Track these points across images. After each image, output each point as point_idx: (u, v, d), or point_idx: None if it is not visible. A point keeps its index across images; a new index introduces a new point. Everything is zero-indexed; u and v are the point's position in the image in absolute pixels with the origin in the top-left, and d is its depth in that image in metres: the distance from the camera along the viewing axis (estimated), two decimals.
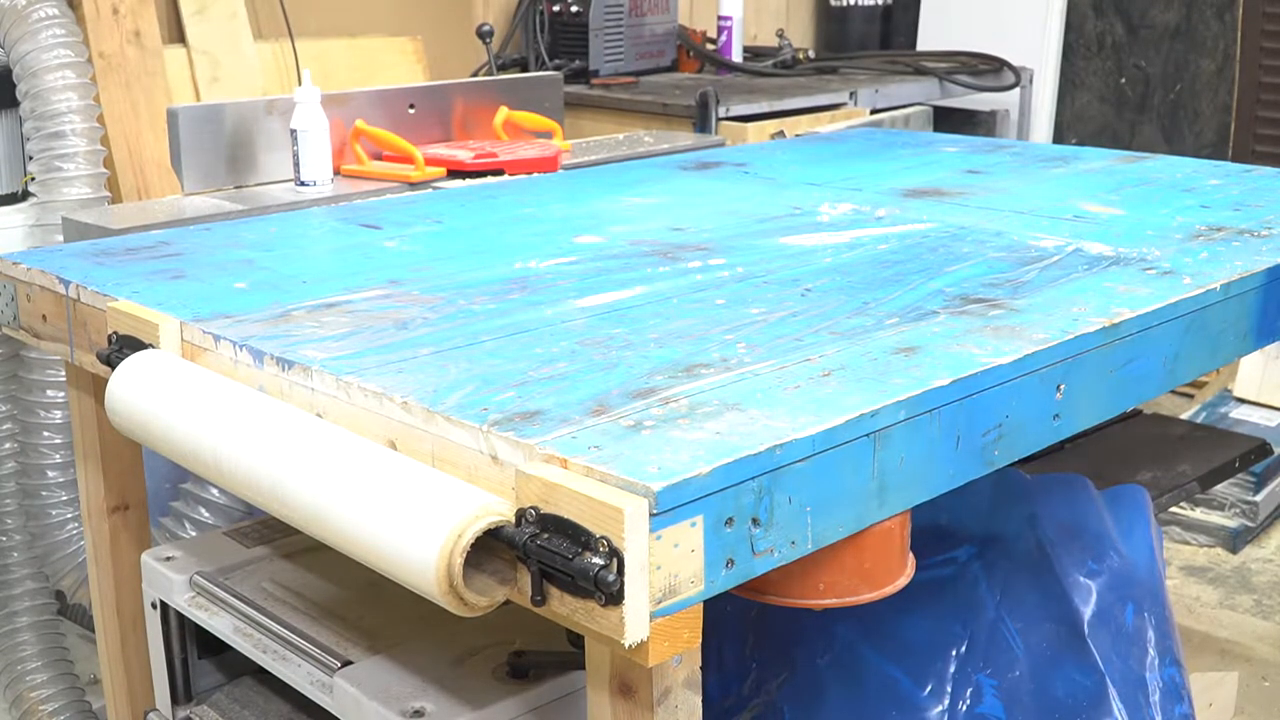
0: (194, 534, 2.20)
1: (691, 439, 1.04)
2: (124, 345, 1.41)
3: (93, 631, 1.92)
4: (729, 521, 1.00)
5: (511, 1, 3.74)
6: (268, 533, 1.69)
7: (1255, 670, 2.88)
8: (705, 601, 1.01)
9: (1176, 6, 4.34)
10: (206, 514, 2.24)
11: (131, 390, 1.33)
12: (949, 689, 1.71)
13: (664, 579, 0.96)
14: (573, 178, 2.31)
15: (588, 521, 0.94)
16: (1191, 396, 3.97)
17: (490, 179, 2.31)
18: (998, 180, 2.13)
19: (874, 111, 3.62)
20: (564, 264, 1.63)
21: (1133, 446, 2.67)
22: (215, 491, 2.23)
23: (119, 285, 1.53)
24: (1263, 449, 2.73)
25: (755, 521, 1.02)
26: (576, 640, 1.31)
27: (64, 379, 2.29)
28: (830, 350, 1.27)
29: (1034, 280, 1.51)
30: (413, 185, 2.31)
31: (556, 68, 3.53)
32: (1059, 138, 4.54)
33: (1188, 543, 3.46)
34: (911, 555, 1.26)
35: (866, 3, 4.38)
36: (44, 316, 1.60)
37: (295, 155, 2.26)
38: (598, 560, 0.93)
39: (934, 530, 1.78)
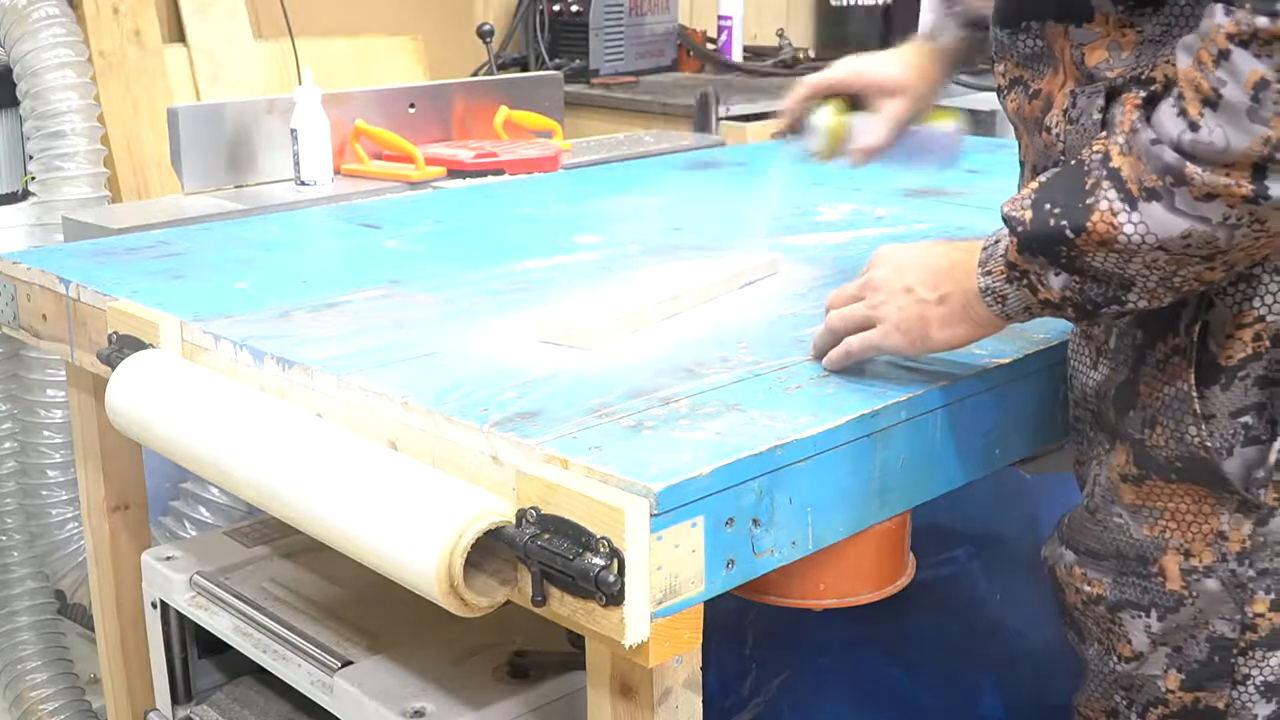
0: (194, 534, 2.20)
1: (692, 439, 1.04)
2: (124, 345, 1.41)
3: (93, 631, 1.92)
4: (729, 522, 1.00)
5: (511, 1, 3.74)
6: (268, 533, 1.69)
7: None
8: (706, 602, 1.01)
9: None
10: (206, 514, 2.24)
11: (131, 390, 1.33)
12: (949, 689, 1.71)
13: (664, 579, 0.96)
14: (573, 177, 2.31)
15: (588, 522, 0.94)
16: None
17: (490, 179, 2.30)
18: (998, 180, 2.12)
19: None
20: (564, 263, 1.63)
21: None
22: (215, 491, 2.23)
23: (119, 285, 1.52)
24: None
25: (756, 522, 1.02)
26: (577, 640, 1.31)
27: (64, 379, 2.29)
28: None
29: None
30: (413, 185, 2.30)
31: (556, 67, 3.53)
32: None
33: None
34: (912, 555, 1.27)
35: (866, 2, 4.37)
36: (44, 316, 1.60)
37: (295, 155, 2.26)
38: (598, 561, 0.93)
39: (934, 530, 1.77)
